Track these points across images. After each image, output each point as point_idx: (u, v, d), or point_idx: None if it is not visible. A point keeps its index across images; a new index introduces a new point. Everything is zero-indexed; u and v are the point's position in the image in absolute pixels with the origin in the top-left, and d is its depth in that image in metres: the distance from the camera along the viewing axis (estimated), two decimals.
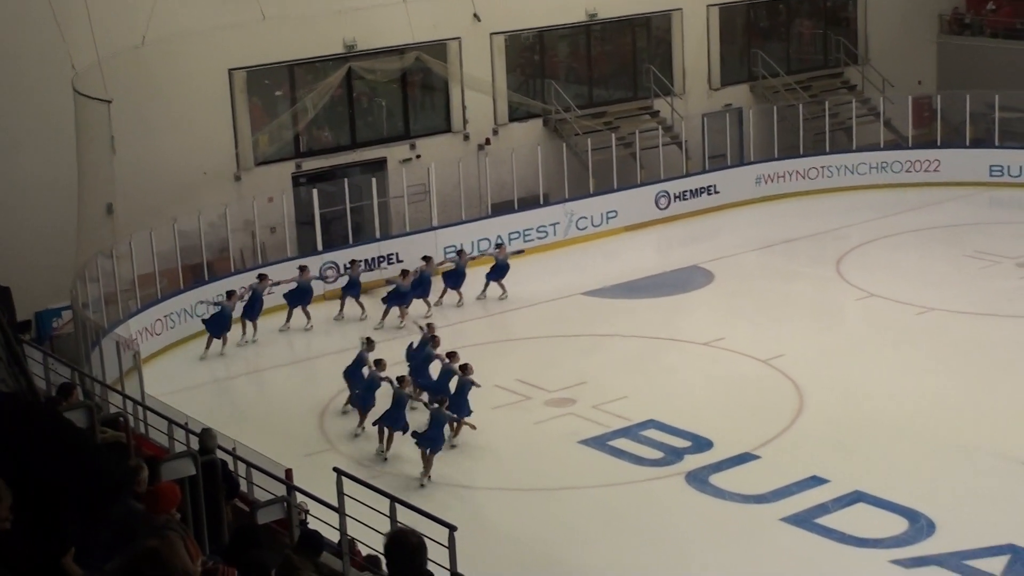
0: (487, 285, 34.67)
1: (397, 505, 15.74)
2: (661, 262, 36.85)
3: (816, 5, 48.24)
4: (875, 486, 23.64)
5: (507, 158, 39.26)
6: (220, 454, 17.50)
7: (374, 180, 36.65)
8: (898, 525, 22.40)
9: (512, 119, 41.19)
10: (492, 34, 40.29)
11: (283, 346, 32.64)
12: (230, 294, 32.18)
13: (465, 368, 26.22)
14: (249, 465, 18.66)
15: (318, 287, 33.88)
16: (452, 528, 14.93)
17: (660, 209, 39.89)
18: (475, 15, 39.62)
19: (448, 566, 14.88)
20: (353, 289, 33.68)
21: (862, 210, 40.39)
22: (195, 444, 17.94)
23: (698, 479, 24.45)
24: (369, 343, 27.85)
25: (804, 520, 22.61)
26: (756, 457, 25.23)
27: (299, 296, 33.14)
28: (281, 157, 37.55)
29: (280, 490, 17.72)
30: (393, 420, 25.51)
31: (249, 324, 32.45)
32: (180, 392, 28.30)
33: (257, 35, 35.98)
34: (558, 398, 28.27)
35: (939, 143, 44.29)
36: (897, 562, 21.36)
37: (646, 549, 21.96)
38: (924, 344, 31.01)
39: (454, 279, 34.22)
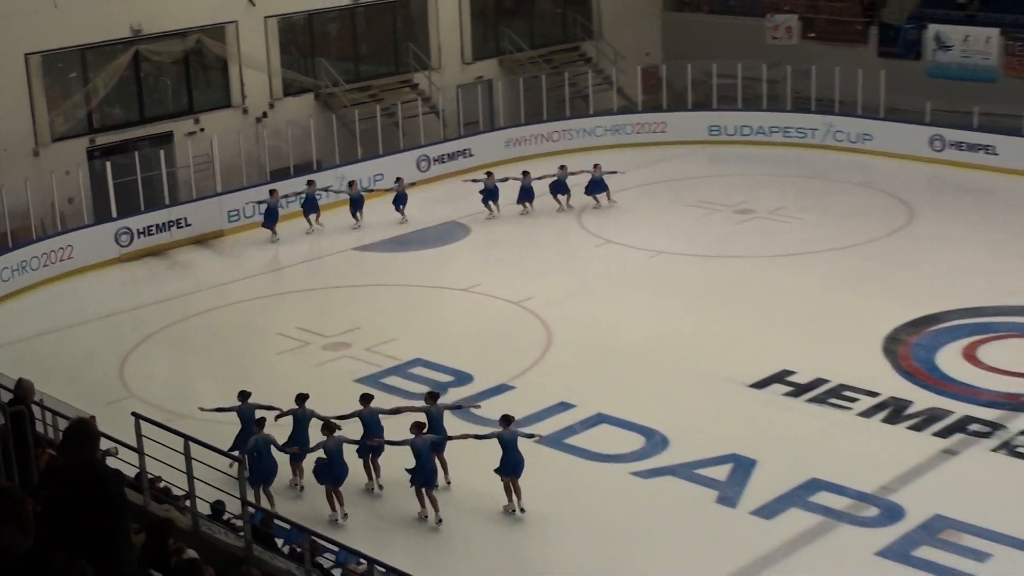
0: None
1: (191, 443, 15.93)
2: (423, 219, 37.11)
3: None
4: (615, 408, 24.59)
5: (283, 129, 39.51)
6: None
7: (162, 152, 36.53)
8: (636, 442, 23.38)
9: (287, 94, 41.13)
10: (266, 17, 40.21)
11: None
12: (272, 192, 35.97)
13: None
14: (55, 414, 18.51)
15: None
16: (239, 460, 15.48)
17: (421, 171, 40.20)
18: (250, 1, 39.65)
19: (238, 494, 15.57)
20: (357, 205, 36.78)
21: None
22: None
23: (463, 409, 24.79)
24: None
25: (555, 441, 23.36)
26: (511, 388, 25.92)
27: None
28: (76, 133, 37.05)
29: None
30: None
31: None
32: None
33: (51, 21, 35.44)
34: (335, 343, 28.59)
35: (665, 107, 45.44)
36: (636, 474, 22.35)
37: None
38: (656, 283, 31.95)
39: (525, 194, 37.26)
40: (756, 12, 48.44)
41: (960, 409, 24.65)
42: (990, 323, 28.86)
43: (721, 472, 22.29)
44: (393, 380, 26.63)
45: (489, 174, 37.80)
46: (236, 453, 20.72)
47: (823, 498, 21.52)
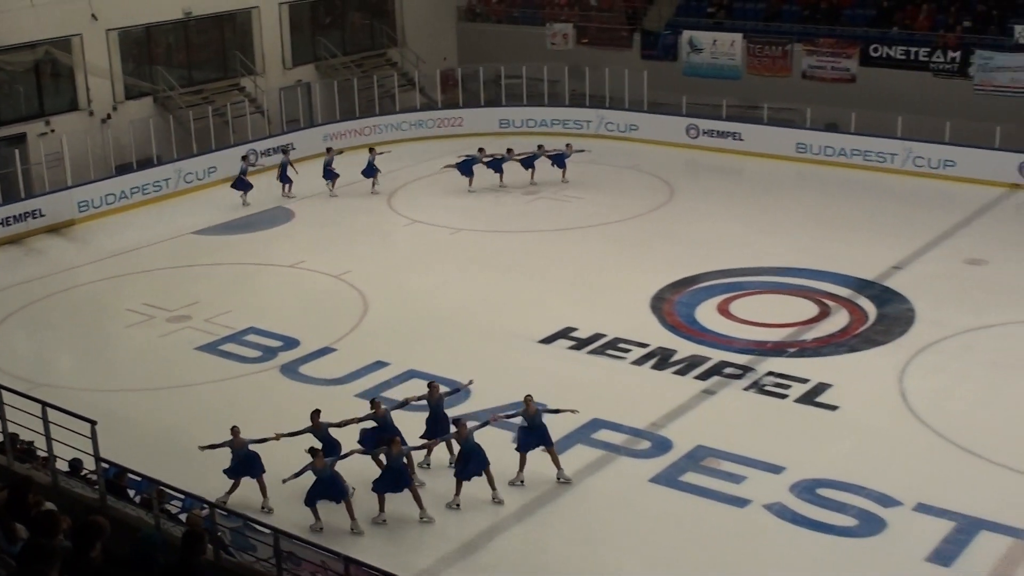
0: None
1: (48, 409, 15.54)
2: (254, 205, 36.59)
3: (364, 1, 48.61)
4: (424, 364, 24.55)
5: (126, 129, 38.66)
6: None
7: (17, 151, 35.46)
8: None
9: (128, 97, 40.25)
10: (108, 30, 39.37)
11: None
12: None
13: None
14: None
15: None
16: (93, 423, 15.13)
17: (250, 164, 39.82)
18: (93, 15, 38.72)
19: (92, 452, 15.27)
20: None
21: (404, 158, 40.80)
22: None
23: (290, 370, 24.91)
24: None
25: (372, 393, 23.08)
26: (334, 350, 25.85)
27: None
28: None
29: None
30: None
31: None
32: None
33: None
34: (177, 316, 28.08)
35: (461, 104, 45.49)
36: None
37: (252, 424, 21.99)
38: (457, 256, 32.01)
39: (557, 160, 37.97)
40: (537, 21, 48.87)
41: (716, 355, 25.25)
42: (740, 282, 29.55)
43: (516, 417, 22.38)
44: (229, 347, 26.37)
45: (481, 149, 38.24)
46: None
47: (604, 435, 21.91)
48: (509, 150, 38.04)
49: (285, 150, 38.72)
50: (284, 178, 37.52)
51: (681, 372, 24.54)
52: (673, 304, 28.18)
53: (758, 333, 26.42)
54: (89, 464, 16.78)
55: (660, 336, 26.31)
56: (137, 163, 38.18)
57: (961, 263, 30.85)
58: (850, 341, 26.10)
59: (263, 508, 19.58)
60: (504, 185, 37.73)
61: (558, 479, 20.33)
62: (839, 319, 27.31)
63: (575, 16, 48.59)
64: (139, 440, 21.74)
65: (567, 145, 38.58)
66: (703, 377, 24.29)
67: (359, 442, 20.36)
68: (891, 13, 43.82)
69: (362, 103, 44.35)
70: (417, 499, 19.27)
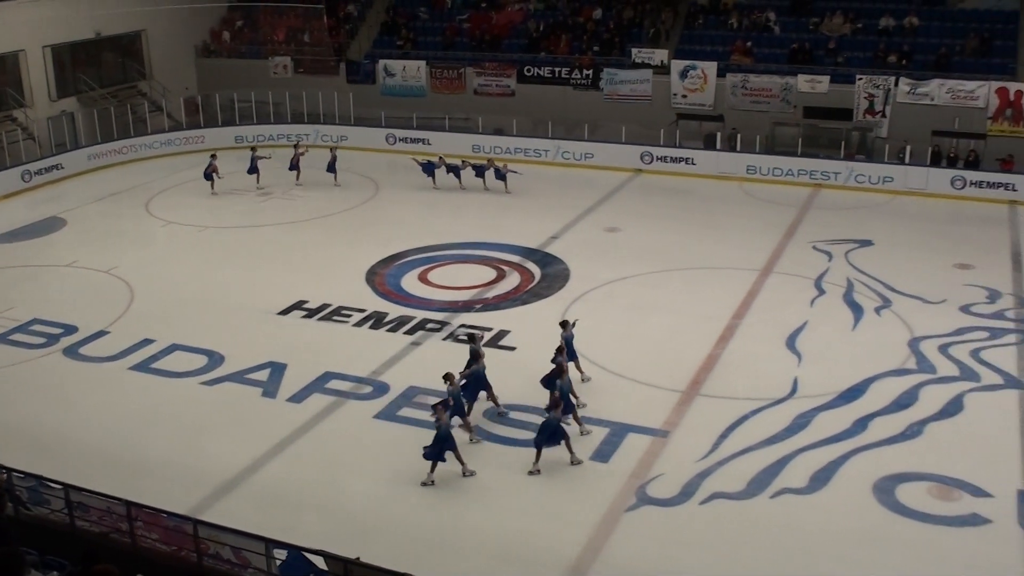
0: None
1: None
2: (28, 217, 34.35)
3: (117, 42, 45.77)
4: (185, 339, 23.78)
5: None
6: None
7: None
8: (202, 360, 22.74)
9: None
10: None
11: None
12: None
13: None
14: None
15: None
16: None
17: (24, 182, 37.48)
18: None
19: None
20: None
21: (157, 171, 39.43)
22: None
23: (72, 352, 23.63)
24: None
25: (143, 366, 22.52)
26: (108, 332, 24.57)
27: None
28: None
29: None
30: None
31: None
32: None
33: None
34: None
35: (203, 125, 43.77)
36: (204, 383, 21.72)
37: (41, 399, 21.16)
38: (207, 250, 30.64)
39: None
40: (261, 56, 47.72)
41: (420, 315, 25.28)
42: (434, 256, 29.66)
43: (263, 375, 22.04)
44: (16, 336, 24.68)
45: (440, 158, 37.25)
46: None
47: (335, 384, 21.65)
48: (463, 161, 36.96)
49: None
50: (254, 169, 37.03)
51: (393, 330, 24.46)
52: (383, 276, 28.04)
53: (451, 295, 26.60)
54: None
55: (374, 302, 26.15)
56: None
57: (602, 231, 31.82)
58: (522, 296, 26.58)
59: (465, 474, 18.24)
60: (464, 187, 36.42)
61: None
62: (512, 280, 27.76)
63: (292, 51, 47.78)
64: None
65: (505, 165, 36.40)
66: (410, 332, 24.29)
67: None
68: (539, 41, 44.73)
69: (119, 127, 42.17)
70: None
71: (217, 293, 27.10)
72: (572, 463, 18.41)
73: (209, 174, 36.78)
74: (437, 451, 17.86)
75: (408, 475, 18.20)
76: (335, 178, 37.41)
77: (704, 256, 28.84)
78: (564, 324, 21.37)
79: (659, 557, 16.03)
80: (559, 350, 20.25)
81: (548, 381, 19.73)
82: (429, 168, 37.05)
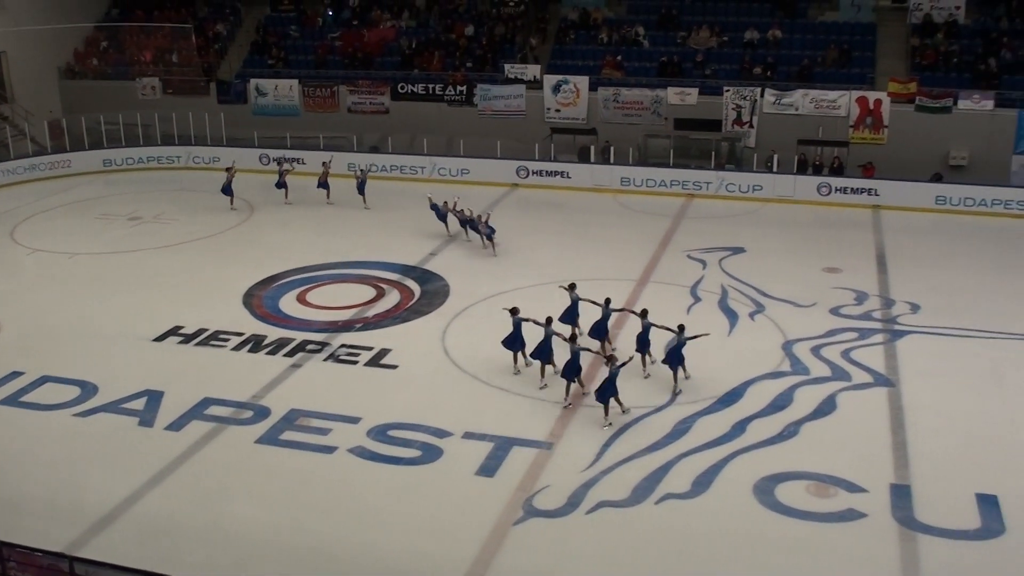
0: None
1: None
2: None
3: None
4: (56, 369, 22.97)
5: None
6: None
7: None
8: (75, 391, 21.97)
9: None
10: None
11: None
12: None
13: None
14: None
15: None
16: None
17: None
18: None
19: None
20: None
21: (23, 197, 38.31)
22: None
23: None
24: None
25: (12, 400, 21.67)
26: None
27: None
28: None
29: None
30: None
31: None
32: None
33: None
34: None
35: (68, 149, 42.62)
36: (77, 415, 20.99)
37: None
38: (77, 275, 29.78)
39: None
40: (128, 77, 46.73)
41: (299, 336, 24.95)
42: (313, 276, 29.36)
43: (139, 404, 21.44)
44: None
45: (445, 203, 33.12)
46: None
47: (214, 410, 21.17)
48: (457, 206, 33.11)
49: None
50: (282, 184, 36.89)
51: (272, 352, 24.09)
52: (261, 299, 27.63)
53: (331, 315, 26.34)
54: None
55: (253, 325, 25.72)
56: None
57: (480, 246, 31.85)
58: (402, 314, 26.48)
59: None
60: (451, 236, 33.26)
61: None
62: (392, 298, 27.64)
63: (160, 71, 46.85)
64: None
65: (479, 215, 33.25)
66: (290, 354, 23.95)
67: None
68: (412, 58, 44.72)
69: None
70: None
71: (89, 321, 26.32)
72: (622, 411, 20.56)
73: (228, 188, 36.08)
74: (609, 390, 19.90)
75: (292, 499, 17.93)
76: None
77: (582, 268, 29.13)
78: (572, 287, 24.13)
79: (548, 568, 16.09)
80: (607, 301, 23.06)
81: (596, 331, 22.67)
82: (440, 213, 33.23)
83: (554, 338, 21.80)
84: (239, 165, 41.46)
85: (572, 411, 20.86)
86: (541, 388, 21.74)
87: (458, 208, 32.96)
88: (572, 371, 20.88)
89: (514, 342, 22.40)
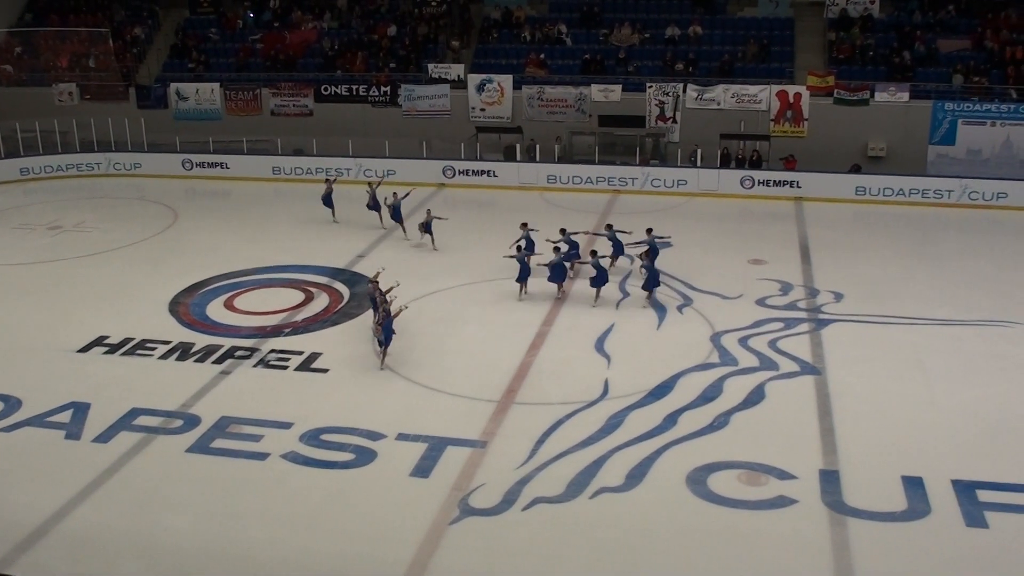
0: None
1: None
2: None
3: None
4: None
5: None
6: None
7: None
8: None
9: None
10: None
11: None
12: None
13: None
14: None
15: None
16: None
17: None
18: None
19: None
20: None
21: None
22: None
23: None
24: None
25: None
26: None
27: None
28: None
29: None
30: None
31: None
32: None
33: None
34: None
35: None
36: (0, 430, 20.56)
37: None
38: (6, 288, 29.53)
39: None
40: (44, 83, 45.86)
41: (228, 343, 24.71)
42: (240, 282, 29.11)
43: (65, 417, 21.06)
44: None
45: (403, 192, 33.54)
46: None
47: (143, 420, 20.86)
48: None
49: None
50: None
51: (201, 360, 23.82)
52: (188, 306, 27.32)
53: (259, 320, 26.14)
54: None
55: (180, 333, 25.42)
56: None
57: (408, 247, 31.82)
58: (332, 317, 26.37)
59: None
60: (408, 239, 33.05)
61: None
62: (321, 301, 27.51)
63: (77, 77, 46.03)
64: None
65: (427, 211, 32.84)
66: (219, 361, 23.71)
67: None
68: (335, 60, 44.49)
69: None
70: None
71: (9, 333, 25.81)
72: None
73: (329, 198, 34.49)
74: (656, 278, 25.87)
75: (226, 507, 17.78)
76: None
77: (512, 266, 29.21)
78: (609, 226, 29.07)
79: (486, 567, 16.15)
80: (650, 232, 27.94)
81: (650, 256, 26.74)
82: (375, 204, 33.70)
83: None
84: (161, 170, 41.05)
85: (504, 409, 20.94)
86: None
87: (400, 198, 32.85)
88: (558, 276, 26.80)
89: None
